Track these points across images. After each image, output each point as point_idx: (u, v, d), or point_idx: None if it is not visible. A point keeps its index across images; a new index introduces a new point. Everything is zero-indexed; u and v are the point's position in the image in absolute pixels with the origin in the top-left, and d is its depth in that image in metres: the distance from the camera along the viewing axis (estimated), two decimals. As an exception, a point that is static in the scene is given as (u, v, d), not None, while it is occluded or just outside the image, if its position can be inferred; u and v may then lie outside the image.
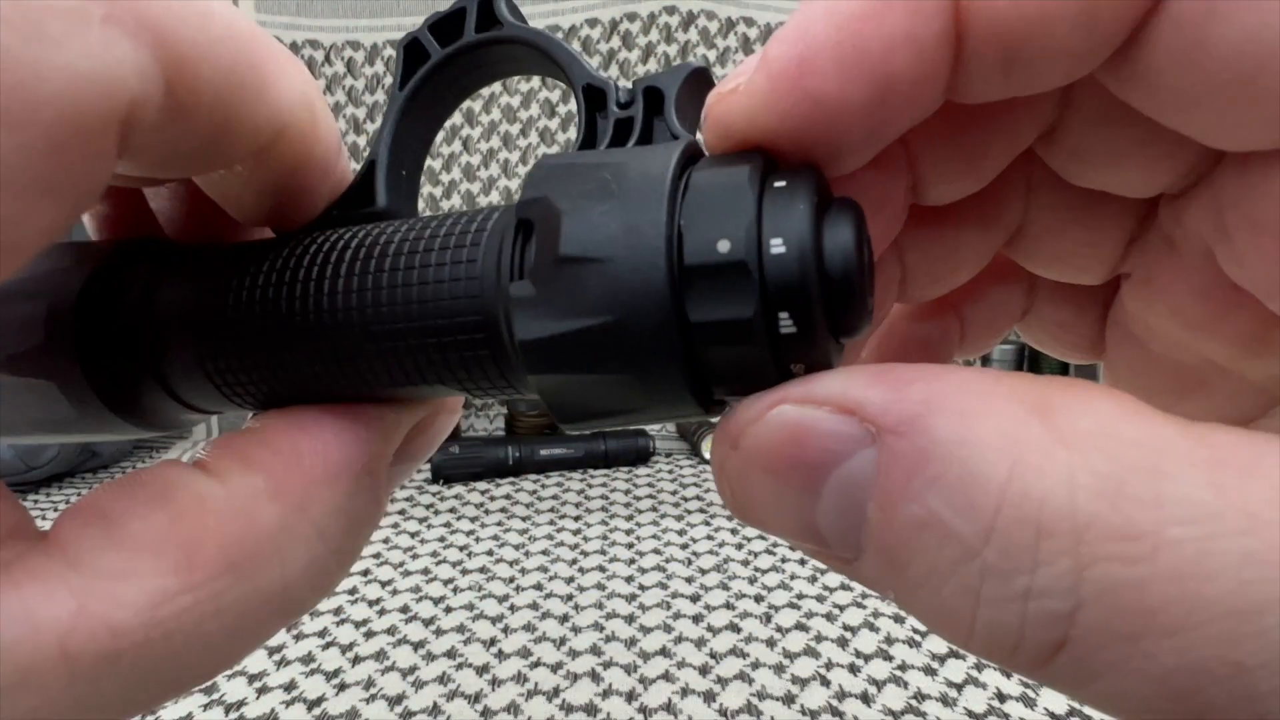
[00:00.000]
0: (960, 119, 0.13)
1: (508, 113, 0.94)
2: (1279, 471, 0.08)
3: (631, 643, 0.43)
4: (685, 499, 0.65)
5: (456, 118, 0.94)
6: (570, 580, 0.50)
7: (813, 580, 0.49)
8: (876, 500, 0.09)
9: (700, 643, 0.42)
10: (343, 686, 0.39)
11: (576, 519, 0.61)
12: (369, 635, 0.44)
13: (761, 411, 0.10)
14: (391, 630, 0.44)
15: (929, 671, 0.40)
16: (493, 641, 0.43)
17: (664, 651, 0.42)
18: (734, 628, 0.44)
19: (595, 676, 0.40)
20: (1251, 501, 0.08)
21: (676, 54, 0.93)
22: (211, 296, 0.14)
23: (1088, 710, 0.36)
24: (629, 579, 0.50)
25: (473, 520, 0.61)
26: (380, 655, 0.42)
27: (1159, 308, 0.15)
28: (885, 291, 0.16)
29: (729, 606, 0.46)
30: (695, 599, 0.47)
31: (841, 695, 0.38)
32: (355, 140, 0.94)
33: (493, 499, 0.66)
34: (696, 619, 0.45)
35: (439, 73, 0.16)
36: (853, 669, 0.40)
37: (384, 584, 0.50)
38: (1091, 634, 0.08)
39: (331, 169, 0.14)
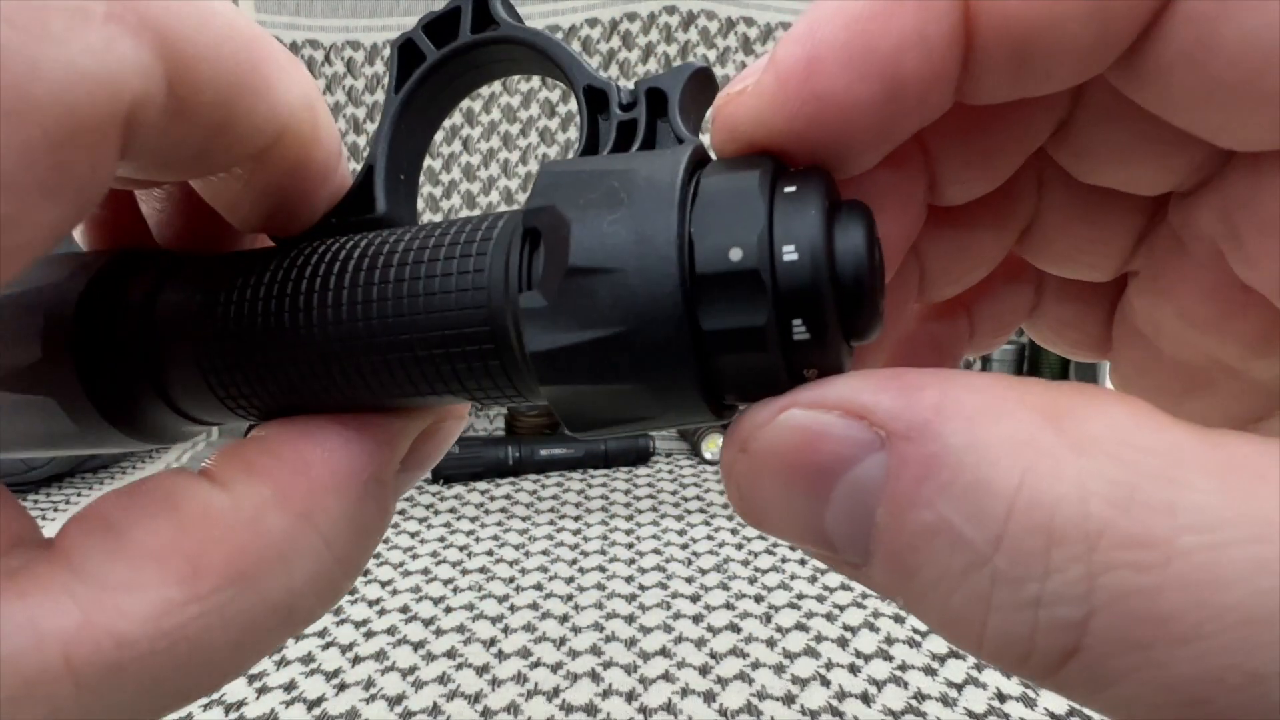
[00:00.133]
0: (974, 119, 0.13)
1: (508, 113, 0.94)
2: None
3: (631, 643, 0.43)
4: (685, 499, 0.64)
5: (456, 118, 0.94)
6: (570, 580, 0.50)
7: (813, 580, 0.49)
8: (886, 505, 0.09)
9: (700, 643, 0.42)
10: (343, 686, 0.39)
11: (576, 519, 0.61)
12: (369, 635, 0.44)
13: (771, 416, 0.10)
14: (391, 630, 0.44)
15: (929, 672, 0.40)
16: (493, 641, 0.43)
17: (664, 652, 0.42)
18: (734, 628, 0.44)
19: (595, 677, 0.40)
20: (1265, 509, 0.08)
21: (676, 54, 0.93)
22: (213, 306, 0.14)
23: (1088, 711, 0.36)
24: (629, 579, 0.50)
25: (473, 520, 0.61)
26: (380, 655, 0.42)
27: (1166, 306, 0.15)
28: (904, 293, 0.16)
29: (729, 607, 0.46)
30: (695, 599, 0.47)
31: (841, 695, 0.38)
32: (355, 140, 0.94)
33: (493, 499, 0.66)
34: (696, 619, 0.45)
35: (435, 74, 0.15)
36: (853, 669, 0.40)
37: (384, 584, 0.50)
38: (1103, 642, 0.08)
39: (332, 173, 0.14)
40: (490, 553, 0.55)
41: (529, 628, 0.44)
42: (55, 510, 0.64)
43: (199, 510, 0.11)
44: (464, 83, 0.16)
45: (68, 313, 0.14)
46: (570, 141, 0.94)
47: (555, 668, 0.40)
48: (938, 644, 0.42)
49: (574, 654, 0.42)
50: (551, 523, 0.60)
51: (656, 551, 0.54)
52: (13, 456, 0.16)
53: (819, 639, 0.43)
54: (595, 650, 0.42)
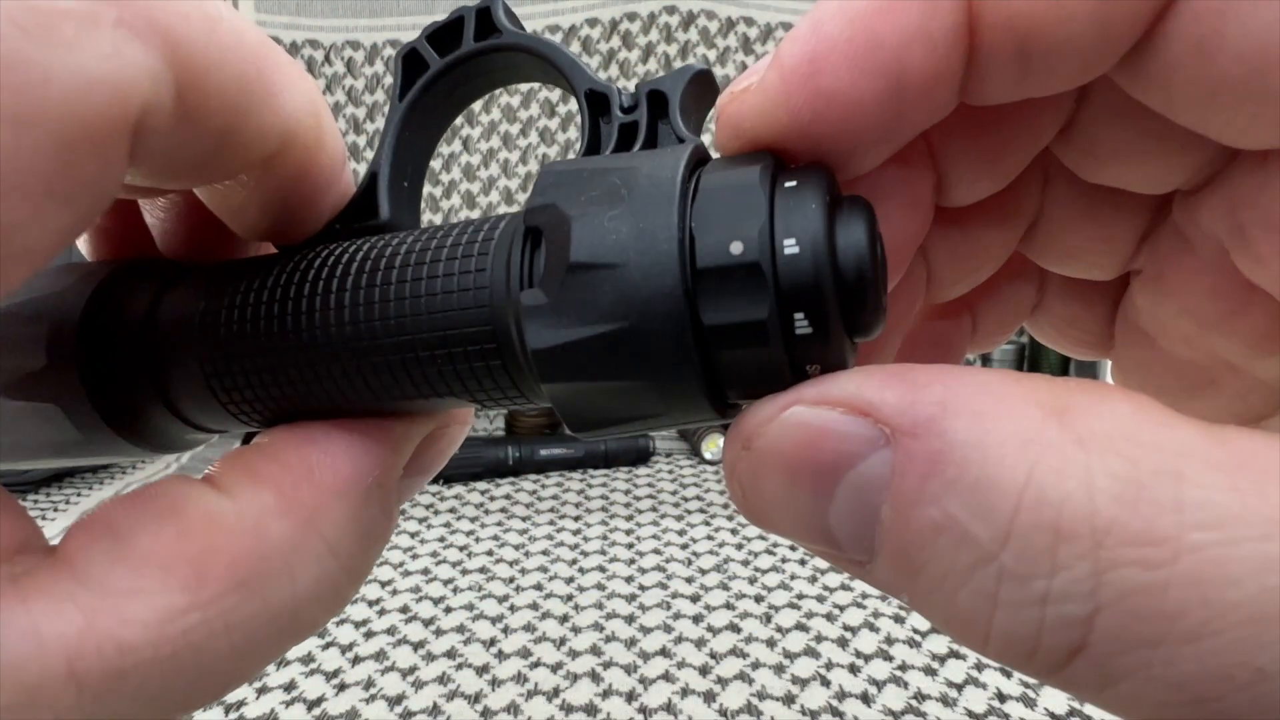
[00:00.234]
0: (981, 121, 0.13)
1: (508, 113, 0.94)
2: None
3: (631, 643, 0.43)
4: (685, 499, 0.64)
5: (456, 117, 0.93)
6: (570, 580, 0.50)
7: (813, 580, 0.49)
8: (891, 503, 0.09)
9: (700, 643, 0.42)
10: (343, 686, 0.39)
11: (576, 519, 0.61)
12: (369, 635, 0.44)
13: (775, 413, 0.10)
14: (391, 630, 0.44)
15: (929, 672, 0.40)
16: (493, 642, 0.43)
17: (664, 652, 0.42)
18: (734, 628, 0.44)
19: (595, 677, 0.40)
20: (1273, 505, 0.08)
21: (676, 54, 0.93)
22: (217, 313, 0.14)
23: (1088, 710, 0.36)
24: (629, 579, 0.50)
25: (473, 520, 0.61)
26: (380, 655, 0.42)
27: (1169, 304, 0.15)
28: (913, 294, 0.16)
29: (729, 607, 0.46)
30: (695, 599, 0.47)
31: (841, 695, 0.38)
32: (355, 140, 0.94)
33: (493, 499, 0.66)
34: (696, 619, 0.45)
35: (438, 83, 0.15)
36: (853, 669, 0.40)
37: (384, 584, 0.50)
38: (1110, 639, 0.08)
39: (336, 180, 0.14)
40: (490, 553, 0.55)
41: (529, 628, 0.44)
42: (55, 510, 0.64)
43: (203, 517, 0.11)
44: (467, 91, 0.16)
45: (72, 320, 0.14)
46: (570, 141, 0.94)
47: (555, 668, 0.40)
48: (938, 644, 0.42)
49: (574, 654, 0.42)
50: (551, 523, 0.60)
51: (656, 551, 0.54)
52: (16, 467, 0.16)
53: (819, 639, 0.43)
54: (595, 650, 0.42)
